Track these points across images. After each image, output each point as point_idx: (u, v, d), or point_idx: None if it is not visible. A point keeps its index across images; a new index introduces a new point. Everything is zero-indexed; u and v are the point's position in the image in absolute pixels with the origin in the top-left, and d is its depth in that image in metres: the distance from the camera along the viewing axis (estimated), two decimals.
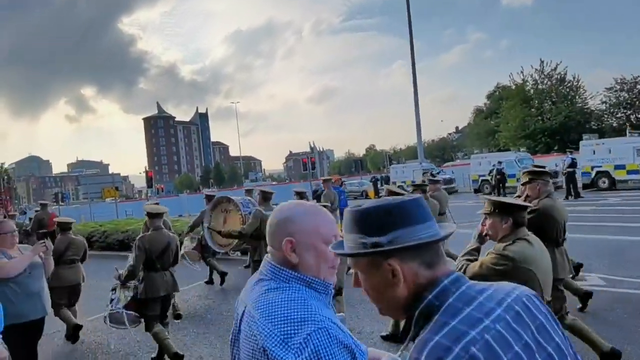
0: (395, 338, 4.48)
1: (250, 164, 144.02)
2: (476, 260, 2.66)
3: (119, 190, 32.70)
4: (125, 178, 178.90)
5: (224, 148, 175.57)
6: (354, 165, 31.14)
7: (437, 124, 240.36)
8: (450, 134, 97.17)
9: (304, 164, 27.20)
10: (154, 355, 4.70)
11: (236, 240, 5.73)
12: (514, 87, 40.08)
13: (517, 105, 37.52)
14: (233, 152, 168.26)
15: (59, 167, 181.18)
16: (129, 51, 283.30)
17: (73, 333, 5.67)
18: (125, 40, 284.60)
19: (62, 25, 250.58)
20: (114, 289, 4.65)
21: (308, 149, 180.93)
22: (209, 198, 7.58)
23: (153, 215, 4.70)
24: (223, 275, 8.07)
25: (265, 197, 5.84)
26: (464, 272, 2.50)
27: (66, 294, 5.70)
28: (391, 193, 5.04)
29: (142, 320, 4.63)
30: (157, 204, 8.39)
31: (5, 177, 24.80)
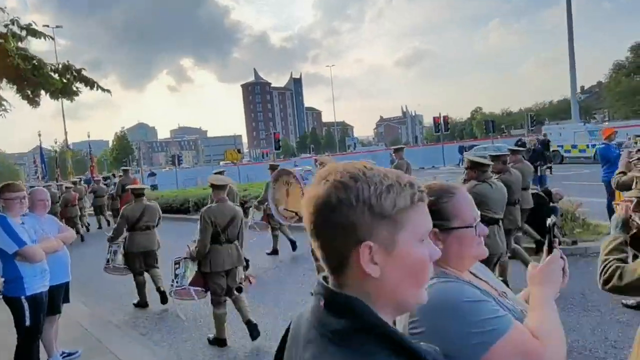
0: None
1: (344, 129, 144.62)
2: (627, 257, 1.98)
3: (240, 153, 34.13)
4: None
5: (316, 114, 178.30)
6: (485, 126, 28.72)
7: (551, 86, 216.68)
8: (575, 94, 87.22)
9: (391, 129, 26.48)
10: (210, 335, 4.67)
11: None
12: None
13: None
14: (325, 117, 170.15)
15: (163, 133, 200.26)
16: (224, 22, 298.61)
17: (138, 302, 6.02)
18: (220, 11, 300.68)
19: (163, 1, 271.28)
20: (177, 263, 4.61)
21: (398, 114, 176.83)
22: (272, 168, 7.50)
23: (217, 187, 4.63)
24: (293, 243, 8.18)
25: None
26: (620, 277, 1.86)
27: (140, 260, 5.97)
28: (474, 165, 4.30)
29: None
30: (222, 172, 8.50)
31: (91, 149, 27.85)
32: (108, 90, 6.57)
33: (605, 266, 1.95)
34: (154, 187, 26.19)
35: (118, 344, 4.70)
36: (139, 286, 6.05)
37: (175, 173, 30.49)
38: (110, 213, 14.26)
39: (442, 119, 24.05)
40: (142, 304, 6.06)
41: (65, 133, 28.14)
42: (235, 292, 4.63)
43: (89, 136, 36.05)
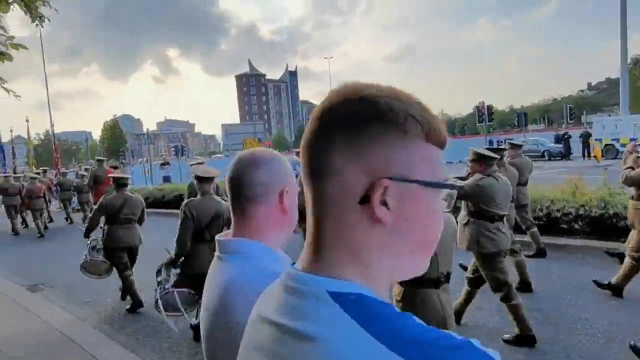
0: None
1: None
2: None
3: (260, 142, 33.30)
4: (212, 136, 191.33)
5: (312, 107, 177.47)
6: (517, 119, 27.79)
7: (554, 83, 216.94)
8: (582, 90, 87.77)
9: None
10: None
11: None
12: None
13: None
14: None
15: (148, 125, 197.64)
16: (210, 11, 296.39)
17: (133, 303, 5.56)
18: None
19: None
20: (159, 271, 4.26)
21: None
22: None
23: (203, 180, 4.25)
24: None
25: None
26: None
27: (122, 256, 5.57)
28: (480, 157, 4.03)
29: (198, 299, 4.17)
30: (200, 163, 8.06)
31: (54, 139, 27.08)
32: (18, 96, 5.03)
33: None
34: (166, 179, 24.57)
35: (31, 302, 5.47)
36: (128, 286, 5.56)
37: (179, 165, 28.53)
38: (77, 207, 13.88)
39: (485, 107, 22.18)
40: (136, 305, 5.51)
41: (52, 124, 27.29)
42: None
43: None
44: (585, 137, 24.23)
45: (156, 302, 4.17)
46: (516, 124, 26.30)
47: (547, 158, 25.44)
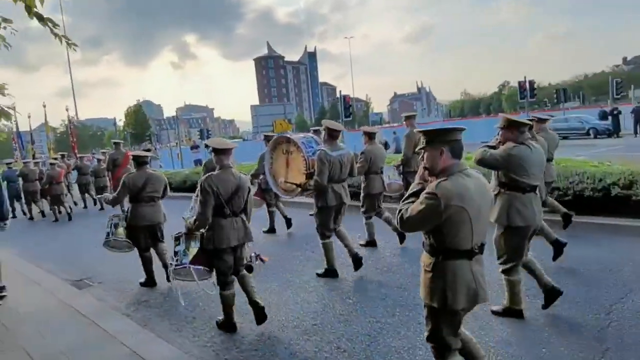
0: None
1: (359, 105, 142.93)
2: None
3: (291, 124, 33.31)
4: (231, 121, 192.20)
5: (331, 89, 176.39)
6: (556, 95, 26.68)
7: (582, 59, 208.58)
8: (617, 66, 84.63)
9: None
10: (220, 317, 4.36)
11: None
12: None
13: None
14: (344, 93, 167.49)
15: (168, 111, 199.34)
16: None
17: (145, 281, 5.73)
18: None
19: None
20: (177, 239, 4.27)
21: (412, 90, 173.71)
22: (267, 138, 7.10)
23: (220, 152, 4.13)
24: (288, 220, 8.07)
25: (331, 134, 5.36)
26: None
27: (144, 235, 5.67)
28: (511, 124, 3.93)
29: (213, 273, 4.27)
30: (197, 147, 8.20)
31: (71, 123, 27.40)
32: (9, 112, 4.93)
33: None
34: (198, 162, 24.53)
35: (121, 330, 4.37)
36: (145, 264, 5.74)
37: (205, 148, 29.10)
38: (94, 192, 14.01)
39: (527, 83, 21.53)
40: (149, 283, 5.75)
41: (74, 111, 27.80)
42: (245, 271, 4.30)
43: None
44: (638, 113, 22.97)
45: (169, 274, 4.36)
46: (555, 101, 25.27)
47: (592, 136, 24.33)
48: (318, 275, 5.54)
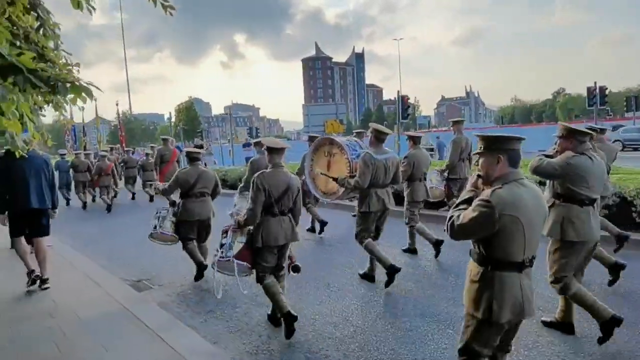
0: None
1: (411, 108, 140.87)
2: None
3: (343, 124, 33.83)
4: (276, 121, 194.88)
5: (377, 91, 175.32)
6: (626, 103, 24.69)
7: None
8: None
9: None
10: (269, 311, 4.43)
11: (343, 189, 5.29)
12: None
13: None
14: (387, 95, 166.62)
15: (216, 109, 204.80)
16: None
17: (198, 271, 5.75)
18: None
19: None
20: (225, 232, 4.35)
21: (460, 94, 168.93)
22: (311, 139, 7.04)
23: (274, 151, 4.16)
24: (323, 224, 7.93)
25: (378, 138, 5.24)
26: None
27: (194, 229, 5.77)
28: (571, 133, 3.77)
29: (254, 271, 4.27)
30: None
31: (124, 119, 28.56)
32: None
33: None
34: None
35: (191, 348, 4.02)
36: (191, 255, 5.77)
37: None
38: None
39: (597, 89, 20.30)
40: (200, 274, 5.73)
41: (128, 106, 29.10)
42: (292, 272, 4.31)
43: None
44: None
45: (212, 264, 4.33)
46: (625, 109, 23.28)
47: None
48: (360, 276, 5.53)
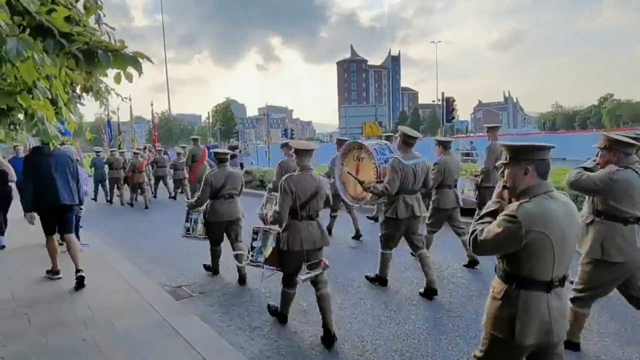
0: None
1: (440, 112, 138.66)
2: None
3: (381, 126, 33.74)
4: (309, 123, 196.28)
5: (413, 94, 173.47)
6: None
7: None
8: None
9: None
10: (272, 303, 4.58)
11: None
12: None
13: None
14: (422, 99, 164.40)
15: (251, 110, 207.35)
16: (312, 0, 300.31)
17: (213, 273, 5.92)
18: None
19: None
20: (255, 233, 4.29)
21: (498, 99, 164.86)
22: (340, 143, 6.84)
23: (302, 152, 4.08)
24: (358, 232, 7.86)
25: (407, 142, 5.08)
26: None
27: (222, 230, 5.82)
28: (615, 144, 3.41)
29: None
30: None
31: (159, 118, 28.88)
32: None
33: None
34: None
35: (148, 291, 4.46)
36: (214, 257, 6.02)
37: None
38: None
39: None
40: (212, 270, 6.07)
41: (154, 104, 29.71)
42: (324, 290, 4.11)
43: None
44: None
45: (241, 262, 4.47)
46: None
47: None
48: (367, 277, 5.57)
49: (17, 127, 3.50)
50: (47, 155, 5.45)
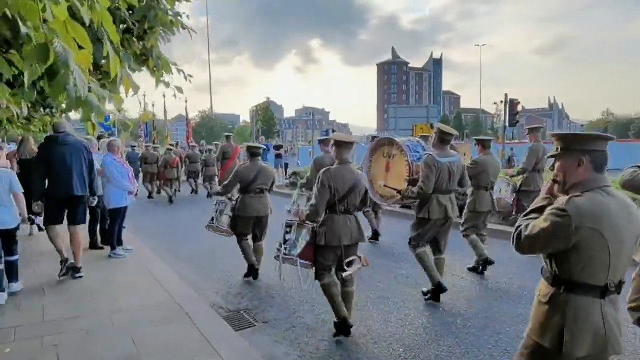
0: None
1: (484, 117, 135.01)
2: None
3: (432, 128, 33.92)
4: (346, 125, 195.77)
5: (455, 98, 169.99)
6: None
7: None
8: None
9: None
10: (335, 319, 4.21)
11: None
12: None
13: None
14: (464, 104, 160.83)
15: (288, 112, 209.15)
16: (353, 2, 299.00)
17: (249, 270, 5.80)
18: None
19: None
20: (289, 226, 4.20)
21: (542, 105, 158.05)
22: (374, 140, 6.82)
23: (342, 145, 4.02)
24: (375, 233, 7.80)
25: (443, 139, 4.92)
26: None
27: (250, 225, 5.80)
28: None
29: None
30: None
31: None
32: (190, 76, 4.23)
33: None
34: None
35: (204, 319, 3.95)
36: (245, 251, 5.79)
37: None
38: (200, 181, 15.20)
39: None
40: (252, 271, 5.78)
41: (186, 101, 30.71)
42: (350, 286, 4.12)
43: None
44: None
45: (277, 257, 4.19)
46: None
47: None
48: (424, 294, 5.01)
49: (53, 111, 3.48)
50: (61, 144, 5.28)
